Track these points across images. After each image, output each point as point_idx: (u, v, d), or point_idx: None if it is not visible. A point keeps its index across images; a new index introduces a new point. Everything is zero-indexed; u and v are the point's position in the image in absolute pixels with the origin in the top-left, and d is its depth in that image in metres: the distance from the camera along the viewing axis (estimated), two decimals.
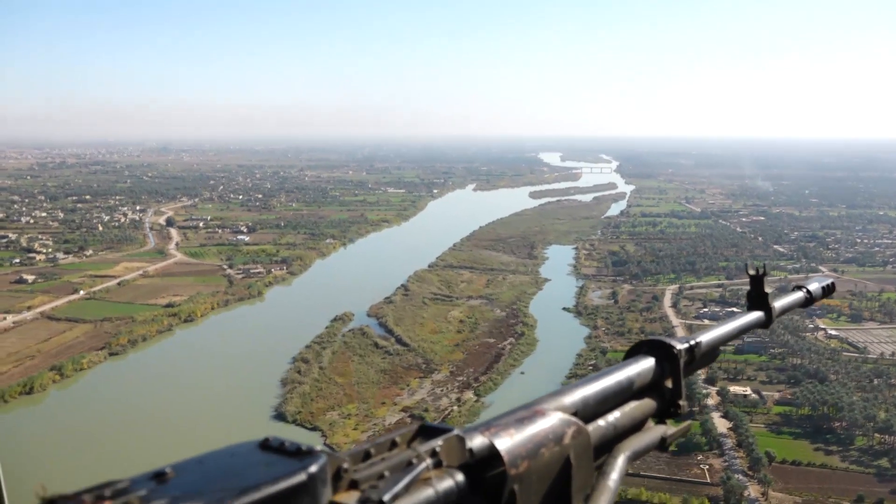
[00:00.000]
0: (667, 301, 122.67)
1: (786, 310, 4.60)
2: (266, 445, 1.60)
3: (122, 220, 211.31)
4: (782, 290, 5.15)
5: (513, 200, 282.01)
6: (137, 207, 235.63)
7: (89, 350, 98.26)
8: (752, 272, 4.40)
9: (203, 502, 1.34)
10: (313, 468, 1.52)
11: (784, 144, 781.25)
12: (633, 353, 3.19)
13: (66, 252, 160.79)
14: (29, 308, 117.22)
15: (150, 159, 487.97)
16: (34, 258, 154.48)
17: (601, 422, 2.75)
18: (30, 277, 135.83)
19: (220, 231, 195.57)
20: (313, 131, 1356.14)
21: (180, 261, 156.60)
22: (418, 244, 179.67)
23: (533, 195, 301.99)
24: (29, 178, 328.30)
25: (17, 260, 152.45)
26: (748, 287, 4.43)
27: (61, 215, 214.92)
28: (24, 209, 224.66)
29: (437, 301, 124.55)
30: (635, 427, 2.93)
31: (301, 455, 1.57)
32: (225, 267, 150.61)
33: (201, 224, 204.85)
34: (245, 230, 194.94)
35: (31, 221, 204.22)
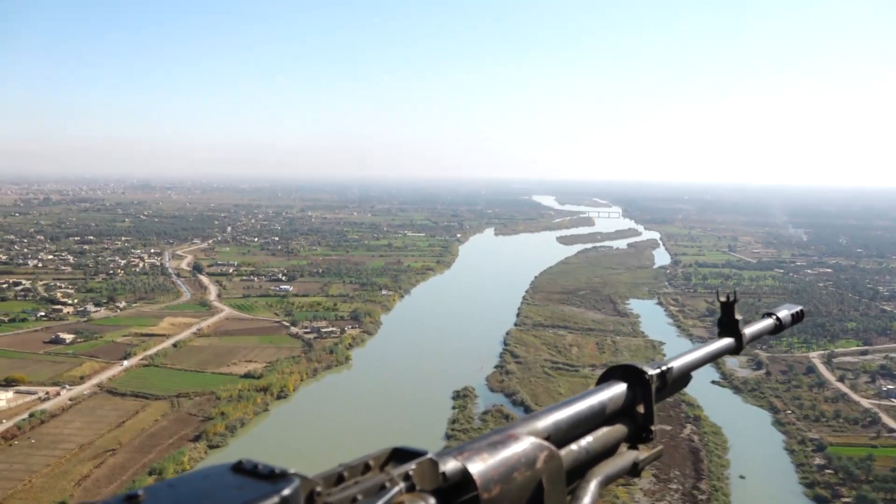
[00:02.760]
0: (825, 373, 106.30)
1: (756, 336, 4.59)
2: (239, 468, 1.58)
3: (140, 264, 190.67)
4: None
5: (544, 246, 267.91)
6: (152, 250, 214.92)
7: (179, 440, 78.39)
8: (722, 299, 4.36)
9: None
10: (286, 491, 1.50)
11: (771, 191, 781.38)
12: (606, 378, 3.20)
13: (96, 304, 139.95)
14: (81, 378, 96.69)
15: (137, 197, 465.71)
16: (61, 311, 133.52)
17: (574, 446, 2.75)
18: (67, 337, 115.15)
19: (255, 279, 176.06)
20: (294, 171, 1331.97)
21: (231, 315, 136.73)
22: (479, 296, 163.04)
23: (561, 241, 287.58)
24: (17, 214, 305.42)
25: (42, 313, 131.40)
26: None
27: (70, 258, 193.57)
28: (26, 251, 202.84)
29: (560, 370, 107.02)
30: (608, 452, 2.93)
31: (274, 478, 1.54)
32: (286, 323, 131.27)
33: (231, 270, 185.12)
34: (284, 278, 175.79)
35: (40, 265, 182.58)
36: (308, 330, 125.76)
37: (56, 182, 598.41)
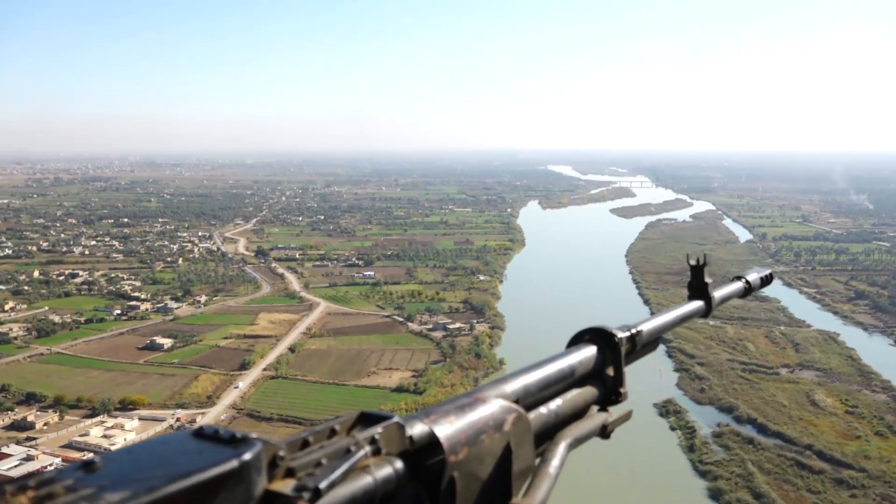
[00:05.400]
0: None
1: (725, 299, 4.57)
2: (200, 434, 1.56)
3: (194, 249, 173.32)
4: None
5: (602, 220, 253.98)
6: (199, 233, 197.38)
7: None
8: (692, 262, 4.36)
9: (131, 490, 1.29)
10: (247, 455, 1.47)
11: (781, 157, 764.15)
12: (576, 341, 3.17)
13: (174, 299, 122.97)
14: (209, 398, 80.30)
15: (147, 174, 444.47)
16: (138, 308, 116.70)
17: (543, 409, 2.73)
18: (164, 342, 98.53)
19: (329, 264, 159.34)
20: (295, 144, 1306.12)
21: (331, 310, 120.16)
22: (579, 277, 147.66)
23: (616, 213, 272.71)
24: (36, 196, 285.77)
25: (118, 311, 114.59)
26: None
27: (116, 244, 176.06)
28: (63, 236, 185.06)
29: (755, 373, 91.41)
30: (577, 414, 2.91)
31: (235, 443, 1.52)
32: (399, 318, 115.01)
33: (298, 255, 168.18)
34: (361, 263, 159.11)
35: (87, 252, 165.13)
36: (431, 327, 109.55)
37: (58, 161, 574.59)
